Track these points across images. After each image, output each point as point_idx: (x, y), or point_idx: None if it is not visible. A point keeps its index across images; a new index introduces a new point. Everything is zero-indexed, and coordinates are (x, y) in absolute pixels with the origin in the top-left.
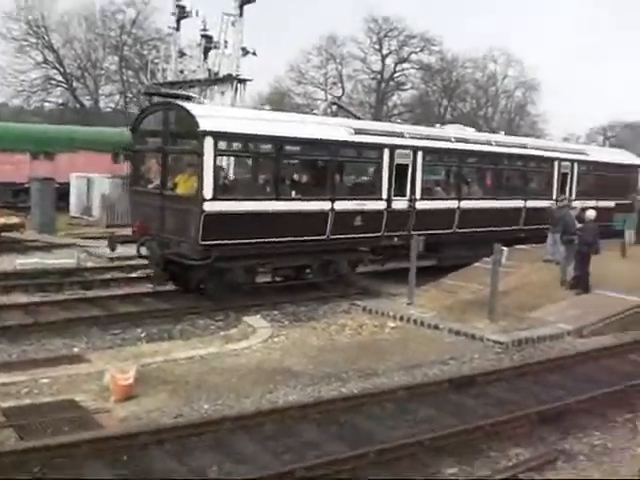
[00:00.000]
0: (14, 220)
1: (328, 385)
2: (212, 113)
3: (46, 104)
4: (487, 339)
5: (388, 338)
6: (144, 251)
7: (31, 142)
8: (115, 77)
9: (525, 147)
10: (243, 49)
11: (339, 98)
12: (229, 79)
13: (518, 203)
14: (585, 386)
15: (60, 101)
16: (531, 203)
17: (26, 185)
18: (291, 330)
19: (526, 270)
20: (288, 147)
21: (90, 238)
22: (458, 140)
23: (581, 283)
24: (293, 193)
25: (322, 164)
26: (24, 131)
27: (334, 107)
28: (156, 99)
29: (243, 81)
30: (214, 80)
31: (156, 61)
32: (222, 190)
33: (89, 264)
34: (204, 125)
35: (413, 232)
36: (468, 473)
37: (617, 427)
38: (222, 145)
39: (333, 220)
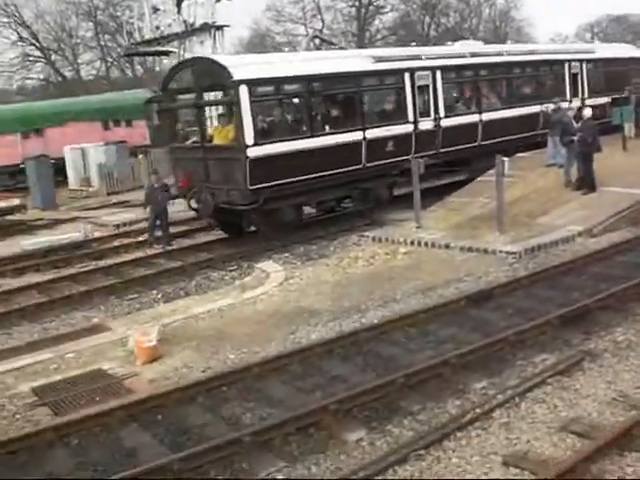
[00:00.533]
0: (15, 202)
1: (348, 318)
2: (242, 62)
3: (28, 81)
4: (499, 251)
5: (401, 264)
6: (193, 204)
7: (19, 122)
8: (92, 44)
9: (535, 53)
10: None
11: (320, 31)
12: (206, 28)
13: (534, 108)
14: (602, 284)
15: (41, 76)
16: (547, 105)
17: (21, 165)
18: (304, 270)
19: (530, 178)
20: (317, 84)
21: (93, 209)
22: (472, 55)
23: (586, 183)
24: (327, 128)
25: (350, 96)
26: (10, 112)
27: (316, 41)
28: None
29: (220, 28)
30: (191, 31)
31: (131, 21)
32: (261, 135)
33: (96, 234)
34: (237, 74)
35: (441, 150)
36: (497, 384)
37: (639, 320)
38: (256, 91)
39: (367, 148)
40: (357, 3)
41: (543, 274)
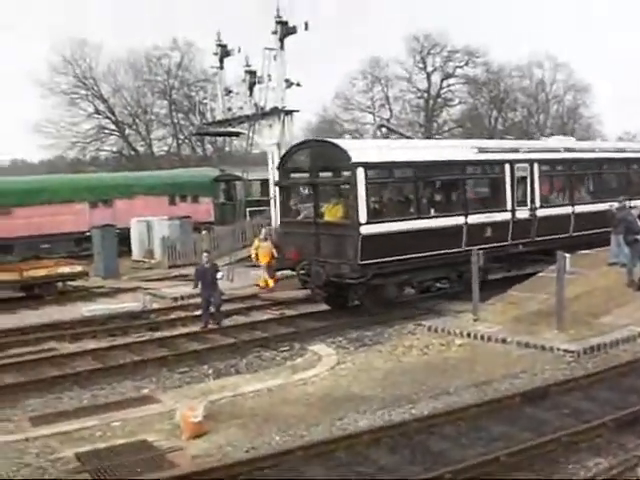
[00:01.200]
0: (78, 268)
1: (398, 407)
2: (359, 146)
3: (101, 153)
4: (557, 349)
5: (456, 356)
6: (302, 276)
7: (89, 191)
8: (166, 121)
9: (624, 151)
10: (287, 81)
11: (388, 120)
12: (276, 112)
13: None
14: None
15: (114, 149)
16: (635, 202)
17: (87, 233)
18: (357, 355)
19: (592, 275)
20: (425, 170)
21: (153, 280)
22: (566, 150)
23: None
24: (432, 211)
25: (454, 182)
26: (82, 181)
27: (383, 129)
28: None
29: (290, 112)
30: (261, 114)
31: (204, 101)
32: (373, 214)
33: (154, 306)
34: (355, 157)
35: (536, 238)
36: None
37: None
38: (371, 173)
39: (467, 232)
40: (425, 95)
41: (602, 375)
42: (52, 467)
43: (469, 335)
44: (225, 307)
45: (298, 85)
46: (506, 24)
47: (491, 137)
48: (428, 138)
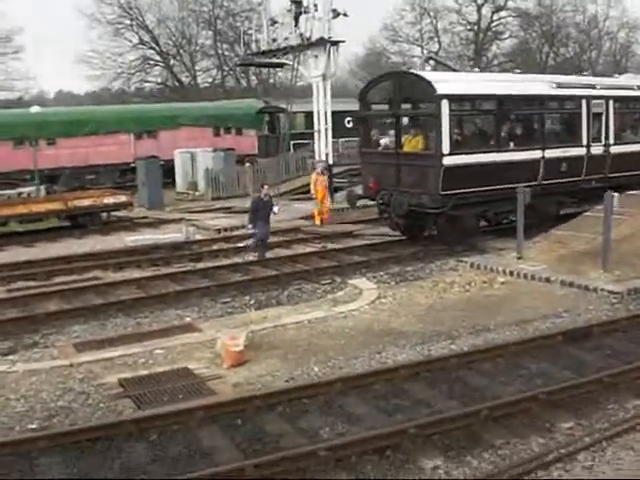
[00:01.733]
0: (122, 199)
1: (437, 343)
2: (443, 78)
3: (146, 84)
4: (601, 289)
5: (498, 293)
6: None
7: (134, 122)
8: (210, 52)
9: None
10: (334, 11)
11: (436, 53)
12: (321, 42)
13: None
14: None
15: (159, 80)
16: None
17: (132, 165)
18: (398, 290)
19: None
20: (506, 104)
21: (197, 212)
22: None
23: None
24: (511, 145)
25: (533, 117)
26: (126, 112)
27: (431, 62)
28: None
29: (336, 43)
30: (307, 45)
31: (249, 32)
32: (455, 146)
33: (197, 237)
34: (440, 89)
35: (609, 175)
36: (585, 427)
37: None
38: (454, 106)
39: (544, 167)
40: (475, 27)
41: None
42: (95, 392)
43: (512, 273)
44: (268, 240)
45: (345, 15)
46: None
47: (542, 72)
48: (480, 71)
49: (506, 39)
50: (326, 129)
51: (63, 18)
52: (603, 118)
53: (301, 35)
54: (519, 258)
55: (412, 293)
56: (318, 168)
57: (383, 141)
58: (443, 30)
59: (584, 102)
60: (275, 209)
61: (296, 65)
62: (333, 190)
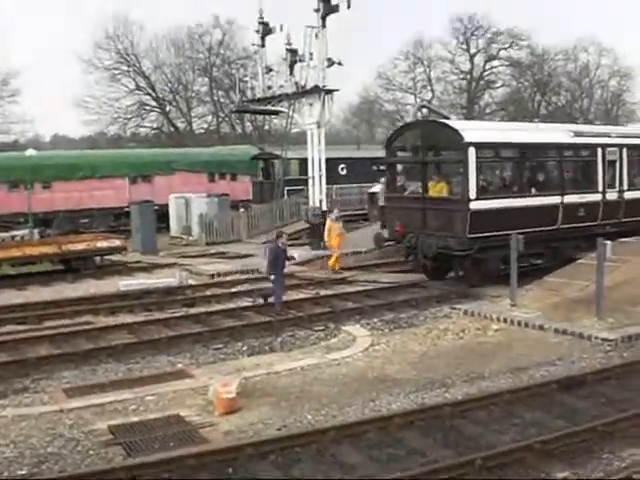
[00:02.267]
0: (116, 243)
1: (432, 391)
2: (469, 126)
3: (141, 129)
4: (595, 337)
5: (491, 340)
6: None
7: (129, 167)
8: (206, 98)
9: None
10: (328, 60)
11: (429, 101)
12: (316, 90)
13: None
14: None
15: (155, 125)
16: None
17: (126, 209)
18: (392, 337)
19: (633, 263)
20: (527, 151)
21: (190, 257)
22: None
23: None
24: (533, 190)
25: (552, 164)
26: (122, 157)
27: (424, 110)
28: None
29: (330, 91)
30: (302, 93)
31: (245, 79)
32: (481, 191)
33: (191, 282)
34: (468, 137)
35: (623, 220)
36: (580, 476)
37: None
38: (480, 153)
39: (563, 211)
40: (468, 76)
41: (639, 365)
42: (85, 439)
43: (506, 320)
44: (262, 285)
45: (339, 64)
46: (552, 7)
47: (532, 121)
48: (469, 119)
49: (498, 88)
50: (320, 176)
51: (61, 63)
52: (617, 165)
53: (296, 83)
54: (513, 305)
55: (406, 340)
56: (332, 215)
57: (409, 186)
58: (436, 79)
59: (600, 150)
60: (295, 254)
61: (291, 112)
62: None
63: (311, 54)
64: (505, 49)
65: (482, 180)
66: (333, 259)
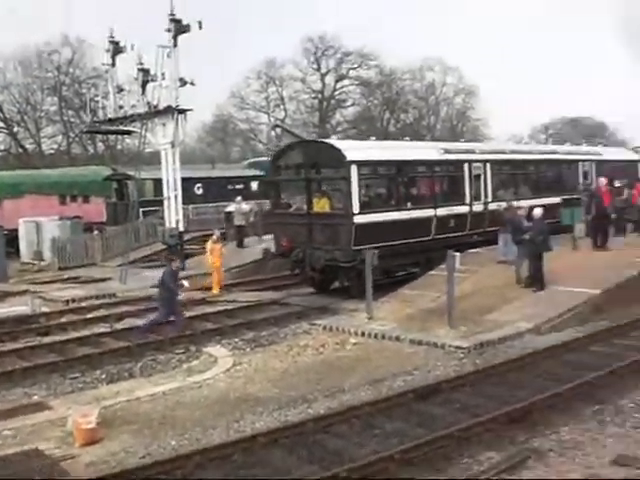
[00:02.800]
0: None
1: (294, 408)
2: (351, 145)
3: None
4: (449, 346)
5: (350, 354)
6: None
7: None
8: (56, 118)
9: (556, 153)
10: (181, 79)
11: (282, 120)
12: (169, 110)
13: (557, 198)
14: (549, 382)
15: (2, 147)
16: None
17: None
18: (253, 356)
19: (481, 273)
20: (403, 168)
21: (43, 283)
22: (512, 152)
23: (536, 281)
24: (409, 204)
25: (426, 179)
26: None
27: (277, 130)
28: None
29: (183, 111)
30: (154, 113)
31: (96, 99)
32: (363, 206)
33: (44, 309)
34: (350, 156)
35: (488, 229)
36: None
37: (585, 420)
38: (362, 170)
39: (436, 223)
40: (320, 96)
41: (491, 370)
42: None
43: (363, 334)
44: (119, 309)
45: (192, 84)
46: (398, 28)
47: (385, 139)
48: (322, 137)
49: (349, 107)
50: (176, 196)
51: None
52: (482, 179)
53: (148, 103)
54: (369, 318)
55: (267, 358)
56: (214, 236)
57: (294, 203)
58: (289, 98)
59: (466, 165)
60: (185, 283)
61: (144, 132)
62: (184, 257)
63: (163, 74)
64: (355, 69)
65: (364, 195)
66: (215, 280)
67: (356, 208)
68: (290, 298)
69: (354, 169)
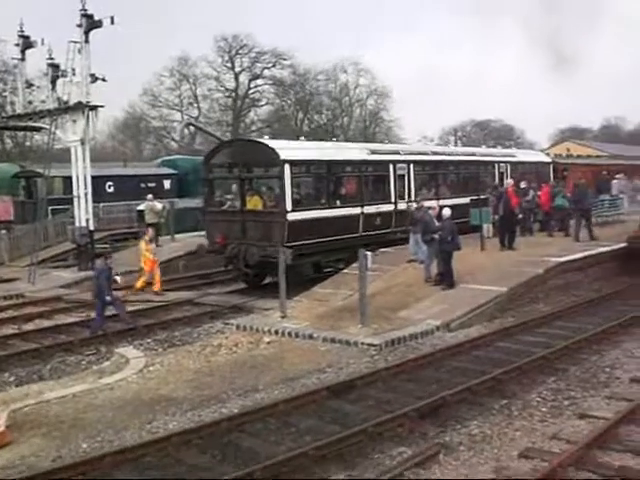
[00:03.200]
0: None
1: (208, 408)
2: (285, 145)
3: None
4: (361, 343)
5: (264, 353)
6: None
7: None
8: None
9: (474, 154)
10: (92, 75)
11: (196, 118)
12: (80, 107)
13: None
14: (459, 378)
15: None
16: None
17: None
18: (166, 357)
19: (392, 272)
20: (333, 167)
21: None
22: (434, 153)
23: (445, 279)
24: (338, 202)
25: (354, 178)
26: None
27: (191, 128)
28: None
29: (94, 108)
30: (64, 109)
31: (4, 94)
32: (296, 203)
33: None
34: (283, 155)
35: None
36: (354, 477)
37: (494, 414)
38: (295, 169)
39: (363, 220)
40: (233, 95)
41: (402, 367)
42: None
43: (277, 332)
44: (27, 310)
45: (104, 80)
46: (313, 29)
47: (298, 137)
48: (237, 137)
49: (263, 106)
50: (86, 194)
51: None
52: (406, 179)
53: (58, 99)
54: (283, 317)
55: (180, 359)
56: (146, 236)
57: (227, 200)
58: (202, 96)
59: (391, 166)
60: (118, 279)
61: (53, 129)
62: (94, 256)
63: (73, 69)
64: (269, 68)
65: (296, 193)
66: (142, 281)
67: (289, 206)
68: (204, 297)
69: (287, 168)
